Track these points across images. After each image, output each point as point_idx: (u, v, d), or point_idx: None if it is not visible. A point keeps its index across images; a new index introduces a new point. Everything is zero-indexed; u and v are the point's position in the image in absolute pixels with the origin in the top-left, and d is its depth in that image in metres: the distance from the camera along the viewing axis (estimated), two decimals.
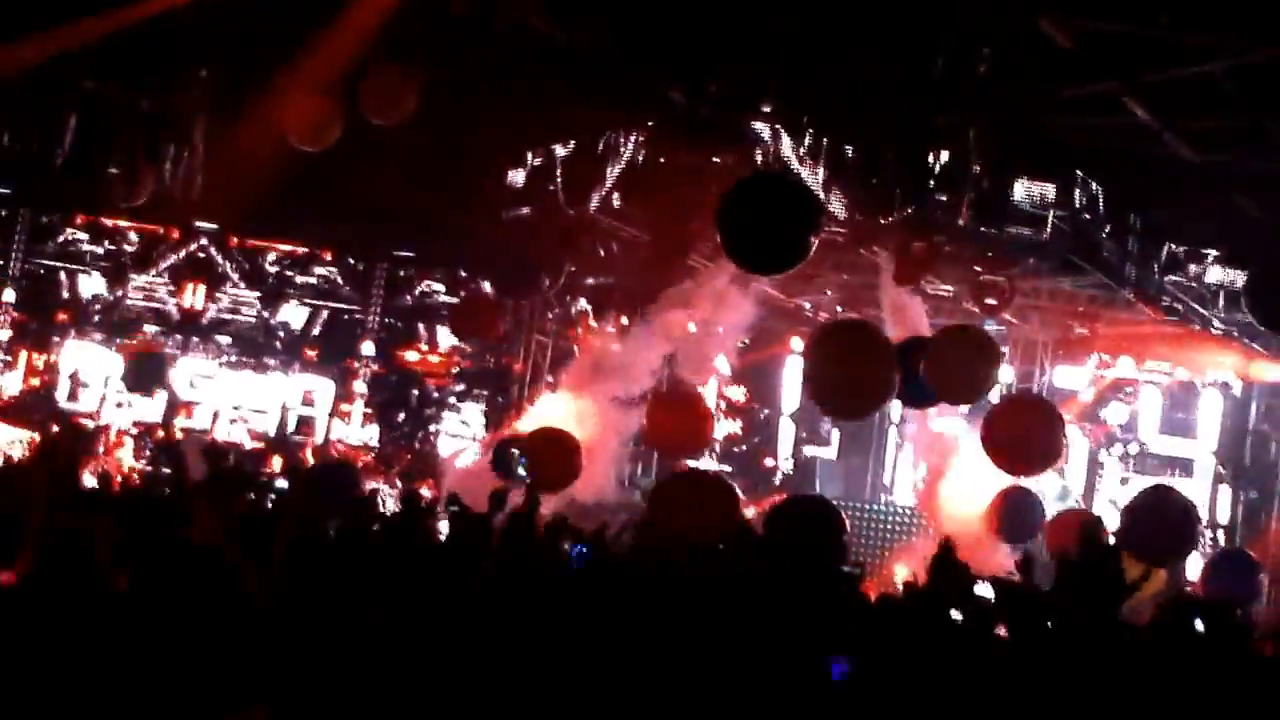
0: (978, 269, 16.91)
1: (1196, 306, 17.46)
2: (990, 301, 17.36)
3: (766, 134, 15.35)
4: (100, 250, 21.32)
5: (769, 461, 21.62)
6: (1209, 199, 15.62)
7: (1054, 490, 17.89)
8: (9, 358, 20.87)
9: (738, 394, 21.85)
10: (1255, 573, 13.60)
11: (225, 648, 4.29)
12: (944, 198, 15.25)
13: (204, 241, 21.13)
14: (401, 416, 21.50)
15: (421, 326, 21.66)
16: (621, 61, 14.98)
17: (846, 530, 9.76)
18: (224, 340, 21.31)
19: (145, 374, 20.15)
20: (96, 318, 21.36)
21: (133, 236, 21.24)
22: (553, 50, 15.46)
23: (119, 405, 20.94)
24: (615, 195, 16.84)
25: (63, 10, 14.00)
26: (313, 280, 21.43)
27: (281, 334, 21.56)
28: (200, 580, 4.68)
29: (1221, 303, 17.26)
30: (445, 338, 21.34)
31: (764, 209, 11.02)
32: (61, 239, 21.25)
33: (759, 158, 15.02)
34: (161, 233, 21.11)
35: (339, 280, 20.92)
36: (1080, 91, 14.11)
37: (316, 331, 21.77)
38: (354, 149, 15.86)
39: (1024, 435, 13.25)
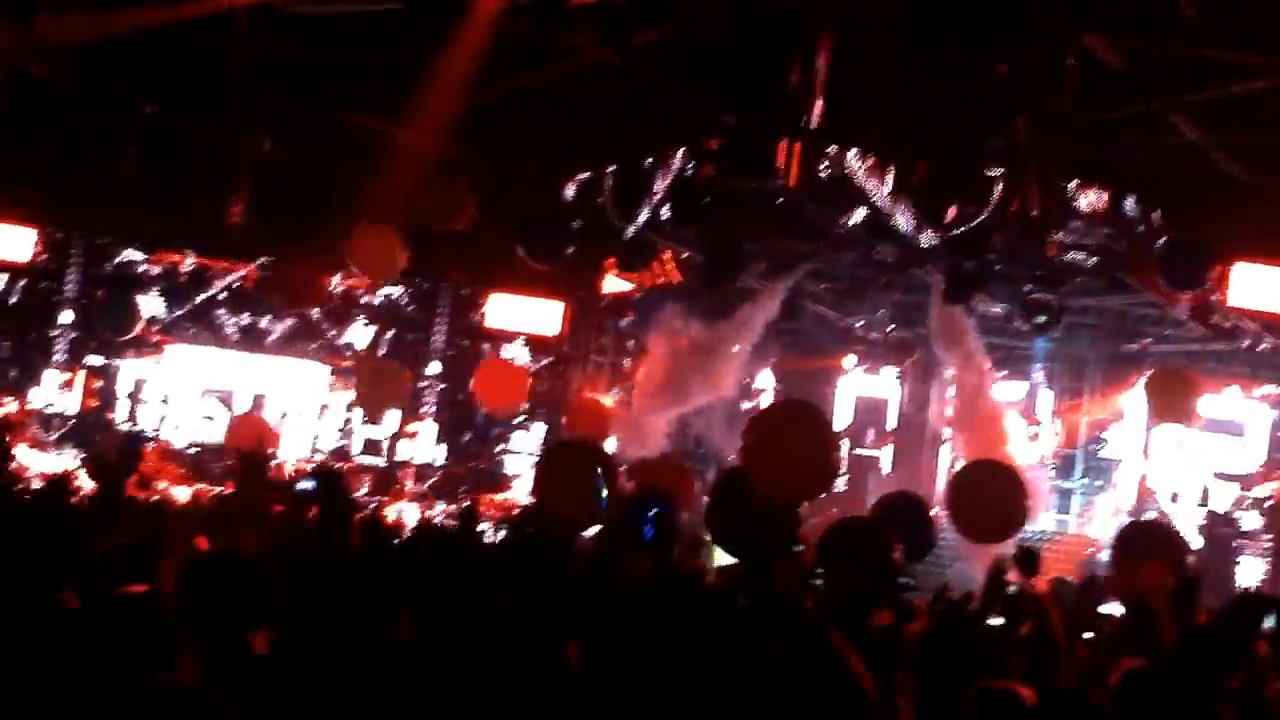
0: (1027, 287, 16.94)
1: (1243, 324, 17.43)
2: (1040, 320, 17.38)
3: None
4: (158, 271, 21.56)
5: None
6: (1260, 216, 15.62)
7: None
8: (68, 378, 21.09)
9: None
10: None
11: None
12: (993, 216, 15.36)
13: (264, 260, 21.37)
14: (467, 436, 21.64)
15: (487, 346, 21.76)
16: (674, 83, 15.19)
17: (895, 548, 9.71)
18: (290, 359, 21.51)
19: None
20: (155, 338, 21.61)
21: (190, 259, 21.49)
22: (606, 70, 15.73)
23: (177, 426, 21.23)
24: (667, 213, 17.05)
25: None
26: (377, 300, 21.59)
27: (348, 354, 21.76)
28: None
29: None
30: (510, 352, 21.35)
31: None
32: (119, 260, 21.49)
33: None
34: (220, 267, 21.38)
35: (404, 300, 21.08)
36: (1129, 111, 14.20)
37: (382, 352, 21.96)
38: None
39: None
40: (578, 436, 16.45)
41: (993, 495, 11.03)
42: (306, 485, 8.45)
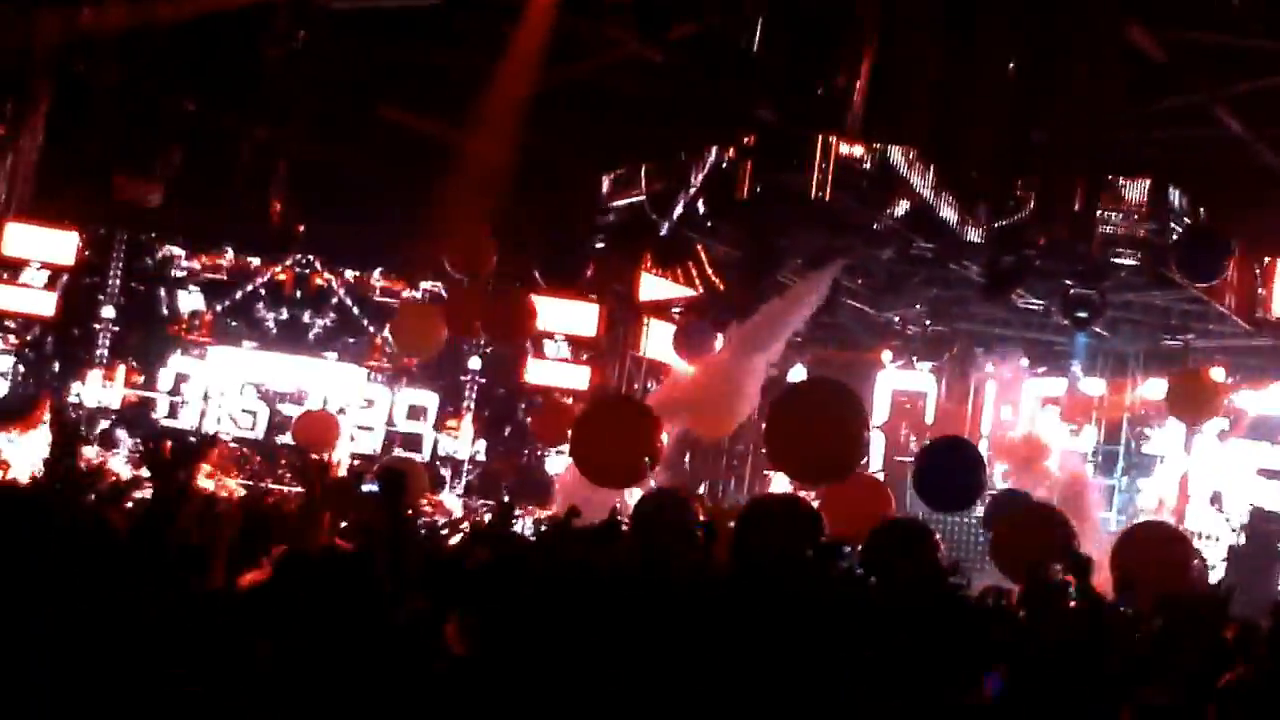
0: (1068, 282, 16.83)
1: None
2: (1081, 315, 17.27)
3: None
4: (198, 265, 21.67)
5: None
6: None
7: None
8: (108, 373, 21.20)
9: None
10: None
11: None
12: (1033, 211, 15.30)
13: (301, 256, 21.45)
14: (508, 431, 21.65)
15: (529, 341, 21.71)
16: (712, 78, 15.16)
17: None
18: (331, 355, 21.57)
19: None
20: (195, 333, 21.69)
21: (229, 254, 21.58)
22: (643, 66, 15.74)
23: (218, 421, 21.32)
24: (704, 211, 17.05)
25: None
26: (418, 295, 21.59)
27: (388, 350, 21.79)
28: None
29: None
30: (551, 350, 21.32)
31: None
32: (160, 255, 21.62)
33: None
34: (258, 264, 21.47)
35: (444, 295, 21.06)
36: (1172, 103, 14.09)
37: None
38: (448, 170, 16.20)
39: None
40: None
41: None
42: (371, 487, 8.40)
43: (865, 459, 12.39)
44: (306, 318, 21.72)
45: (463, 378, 21.58)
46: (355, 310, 21.67)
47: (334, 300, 21.68)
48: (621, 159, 18.17)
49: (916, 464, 12.51)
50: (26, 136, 15.03)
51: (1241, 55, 13.01)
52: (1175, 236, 15.51)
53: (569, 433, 12.26)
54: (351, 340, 21.66)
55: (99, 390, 20.91)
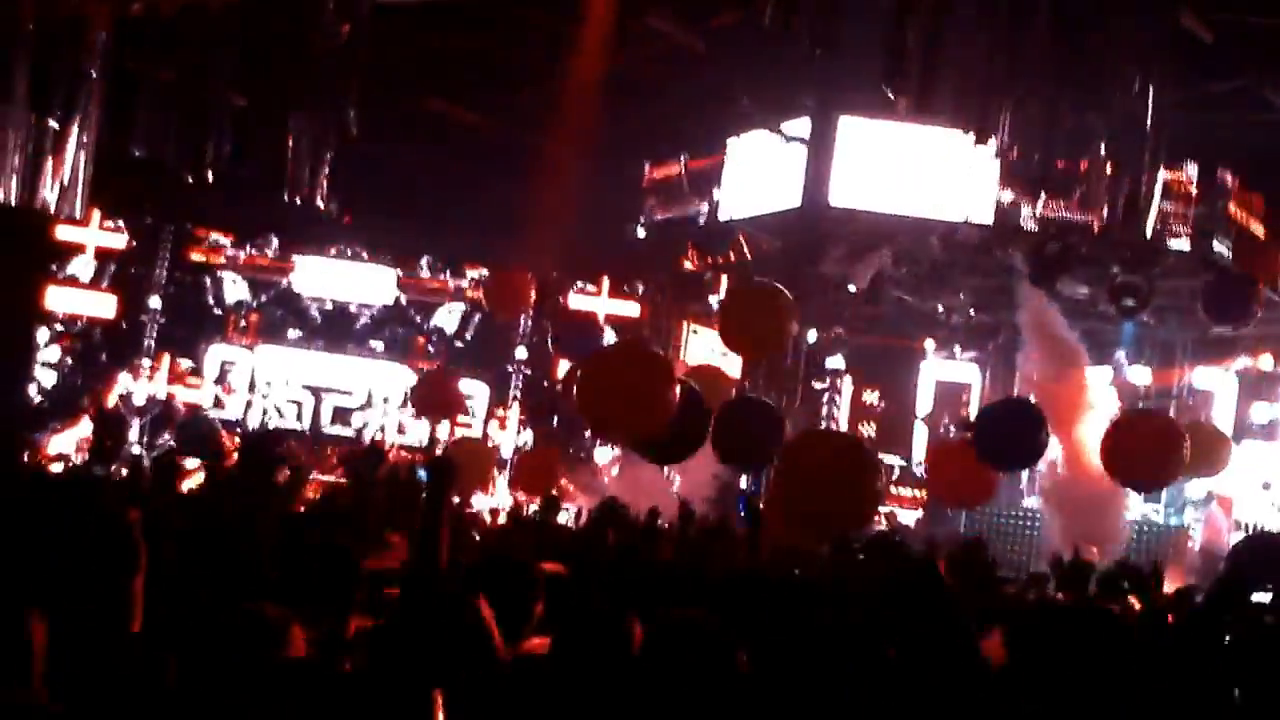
0: (1115, 269, 16.68)
1: None
2: (1128, 303, 17.09)
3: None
4: (243, 256, 21.84)
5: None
6: None
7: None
8: (154, 364, 21.37)
9: (871, 398, 21.90)
10: None
11: None
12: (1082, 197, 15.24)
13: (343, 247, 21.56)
14: (555, 422, 21.64)
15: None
16: (753, 66, 15.17)
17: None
18: (377, 345, 21.66)
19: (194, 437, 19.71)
20: (242, 323, 21.88)
21: (274, 242, 21.72)
22: (684, 54, 15.76)
23: (264, 412, 21.47)
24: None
25: None
26: (465, 284, 21.65)
27: (435, 338, 21.88)
28: None
29: None
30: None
31: None
32: (206, 245, 21.80)
33: None
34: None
35: (489, 283, 21.10)
36: (1221, 86, 13.97)
37: (470, 335, 22.03)
38: (496, 160, 16.25)
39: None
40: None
41: None
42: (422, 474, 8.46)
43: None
44: (353, 308, 21.83)
45: (509, 368, 21.63)
46: (402, 299, 21.79)
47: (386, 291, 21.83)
48: (663, 147, 18.19)
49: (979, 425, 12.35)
50: (80, 132, 15.18)
51: None
52: (1205, 281, 15.39)
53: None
54: (400, 330, 21.77)
55: (145, 383, 21.11)
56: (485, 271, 20.82)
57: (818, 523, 8.42)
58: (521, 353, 21.74)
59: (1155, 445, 11.55)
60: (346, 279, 21.70)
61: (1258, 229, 16.36)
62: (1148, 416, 13.98)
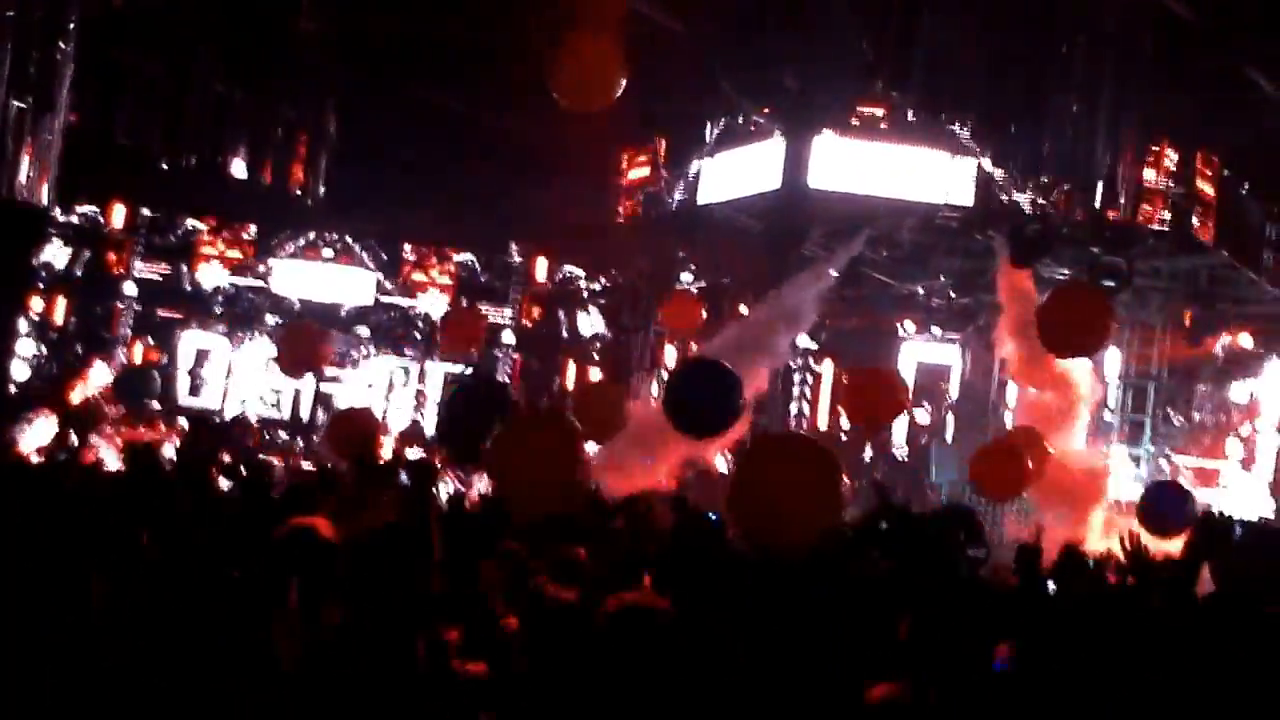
0: (1095, 249, 16.68)
1: None
2: (1108, 283, 17.09)
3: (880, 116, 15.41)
4: (221, 242, 21.55)
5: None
6: None
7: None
8: (127, 351, 21.13)
9: None
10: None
11: None
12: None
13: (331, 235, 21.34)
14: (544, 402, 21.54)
15: (562, 313, 21.69)
16: (733, 48, 15.10)
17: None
18: (363, 332, 21.47)
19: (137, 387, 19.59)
20: (219, 310, 21.63)
21: (252, 229, 21.46)
22: (664, 37, 15.66)
23: (243, 400, 21.25)
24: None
25: None
26: (451, 270, 21.48)
27: (421, 324, 21.71)
28: None
29: None
30: (585, 323, 21.25)
31: None
32: (182, 231, 21.53)
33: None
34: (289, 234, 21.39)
35: (478, 269, 20.97)
36: (1203, 65, 13.96)
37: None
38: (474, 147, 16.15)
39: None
40: None
41: None
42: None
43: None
44: (337, 294, 21.64)
45: (496, 353, 21.51)
46: (388, 285, 21.61)
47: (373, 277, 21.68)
48: (640, 131, 18.10)
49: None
50: (56, 118, 15.03)
51: (1273, 15, 12.87)
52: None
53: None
54: (386, 317, 21.60)
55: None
56: (470, 257, 20.72)
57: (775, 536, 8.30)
58: (508, 336, 21.60)
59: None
60: (325, 280, 21.49)
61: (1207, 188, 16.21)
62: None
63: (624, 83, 12.16)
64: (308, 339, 17.42)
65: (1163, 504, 11.81)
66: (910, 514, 6.97)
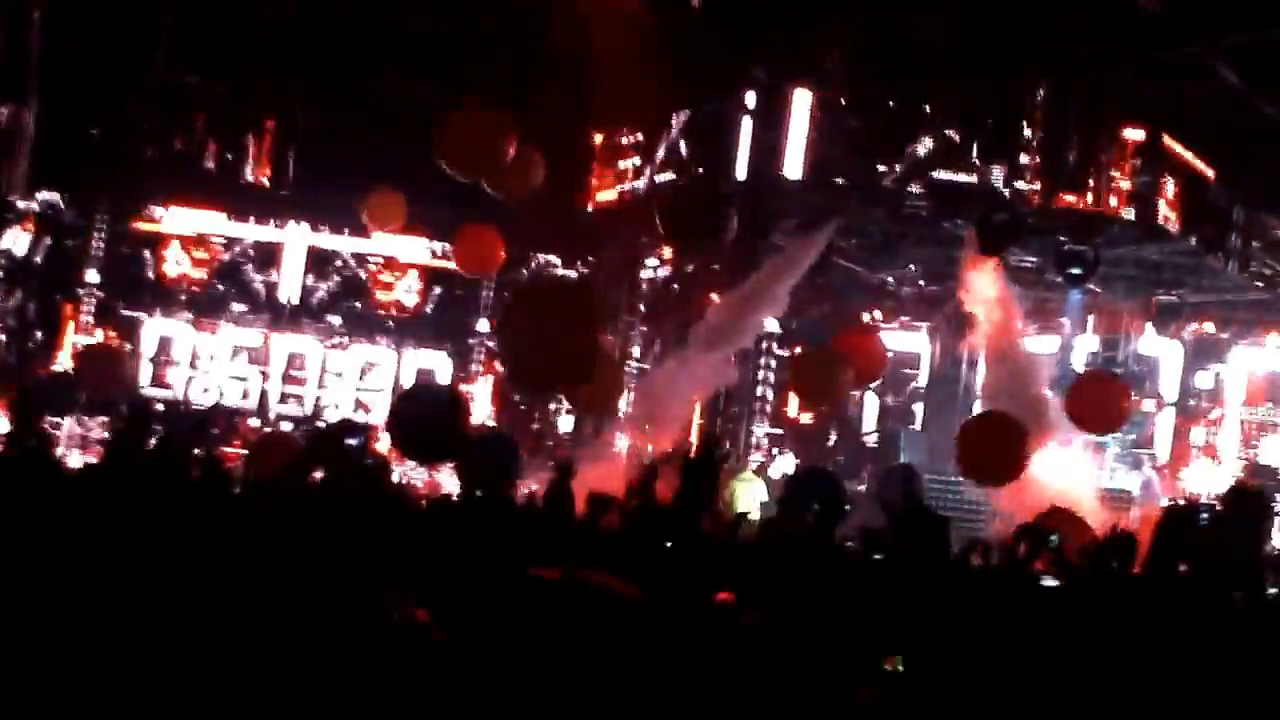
0: (1062, 238, 16.75)
1: None
2: (1075, 271, 17.17)
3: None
4: (185, 230, 21.25)
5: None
6: None
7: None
8: (91, 340, 20.83)
9: None
10: None
11: None
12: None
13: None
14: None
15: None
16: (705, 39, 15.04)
17: None
18: (335, 320, 21.24)
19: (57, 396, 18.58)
20: (183, 297, 21.35)
21: (219, 217, 21.19)
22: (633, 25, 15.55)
23: (205, 390, 20.98)
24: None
25: None
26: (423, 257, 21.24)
27: (393, 312, 21.51)
28: None
29: None
30: None
31: None
32: (146, 218, 21.14)
33: None
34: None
35: (447, 256, 20.75)
36: (1169, 56, 14.00)
37: (430, 308, 21.58)
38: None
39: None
40: None
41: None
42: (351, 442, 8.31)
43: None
44: (310, 281, 21.40)
45: (470, 340, 21.35)
46: (359, 274, 21.41)
47: (338, 264, 21.52)
48: (614, 120, 18.02)
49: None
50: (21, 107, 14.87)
51: (1238, 7, 12.93)
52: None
53: None
54: (356, 304, 21.38)
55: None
56: (443, 245, 20.50)
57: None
58: (483, 325, 21.44)
59: None
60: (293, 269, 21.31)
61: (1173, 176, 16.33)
62: None
63: (512, 152, 12.51)
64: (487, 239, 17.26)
65: None
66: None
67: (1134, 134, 15.30)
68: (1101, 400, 14.95)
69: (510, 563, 5.31)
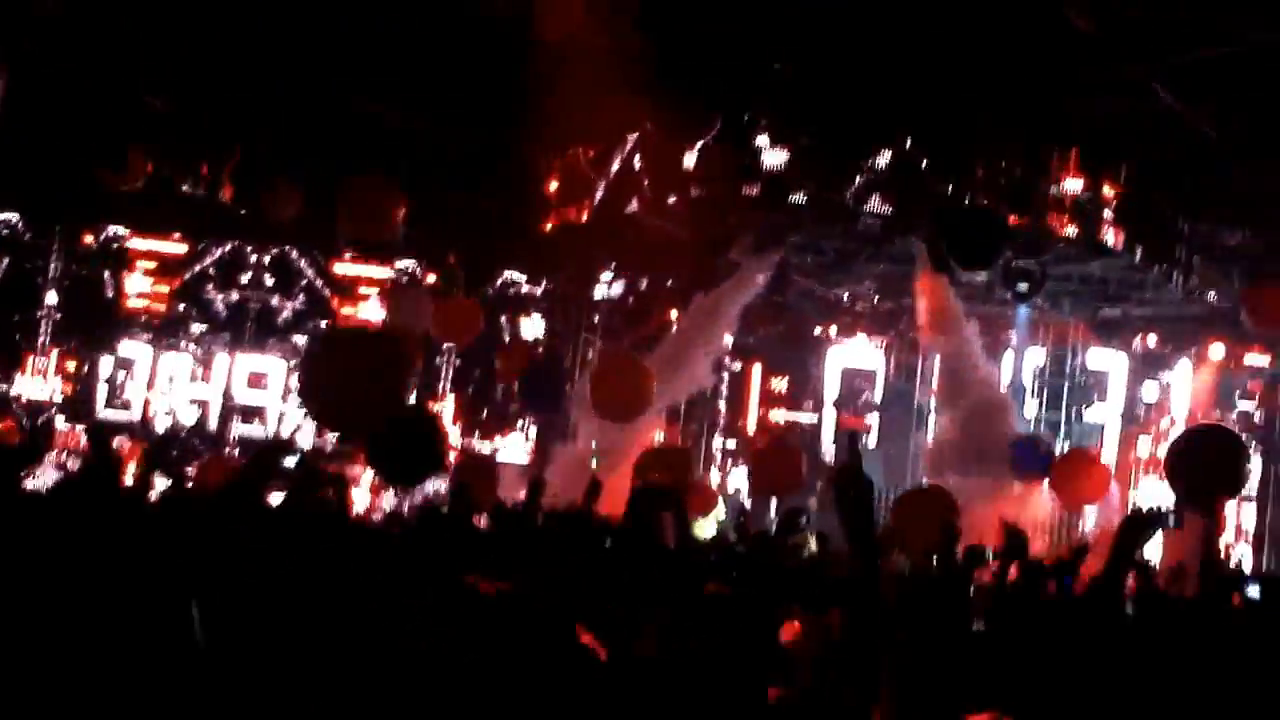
0: (1009, 255, 17.12)
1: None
2: (1021, 287, 17.57)
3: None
4: (144, 247, 21.27)
5: None
6: (1236, 180, 15.86)
7: None
8: (47, 362, 20.80)
9: (780, 385, 22.25)
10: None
11: None
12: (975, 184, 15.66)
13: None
14: (485, 414, 21.44)
15: (504, 319, 21.59)
16: (661, 64, 15.25)
17: None
18: (300, 340, 21.29)
19: None
20: (142, 318, 21.36)
21: (177, 235, 21.23)
22: (592, 53, 15.79)
23: (167, 412, 20.99)
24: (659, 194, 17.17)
25: None
26: (389, 276, 21.45)
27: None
28: None
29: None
30: (527, 328, 21.28)
31: None
32: (104, 237, 21.20)
33: None
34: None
35: (418, 274, 20.86)
36: (1107, 76, 14.37)
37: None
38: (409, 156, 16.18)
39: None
40: None
41: None
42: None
43: None
44: (275, 301, 21.42)
45: (437, 359, 21.48)
46: (326, 292, 21.45)
47: (303, 282, 21.58)
48: (571, 146, 18.22)
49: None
50: None
51: (1175, 29, 13.29)
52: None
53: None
54: (324, 323, 21.47)
55: (39, 381, 20.57)
56: (410, 261, 20.66)
57: None
58: (447, 344, 21.54)
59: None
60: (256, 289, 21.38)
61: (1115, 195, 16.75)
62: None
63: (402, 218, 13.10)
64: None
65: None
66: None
67: (1076, 152, 15.72)
68: (1084, 479, 15.88)
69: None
